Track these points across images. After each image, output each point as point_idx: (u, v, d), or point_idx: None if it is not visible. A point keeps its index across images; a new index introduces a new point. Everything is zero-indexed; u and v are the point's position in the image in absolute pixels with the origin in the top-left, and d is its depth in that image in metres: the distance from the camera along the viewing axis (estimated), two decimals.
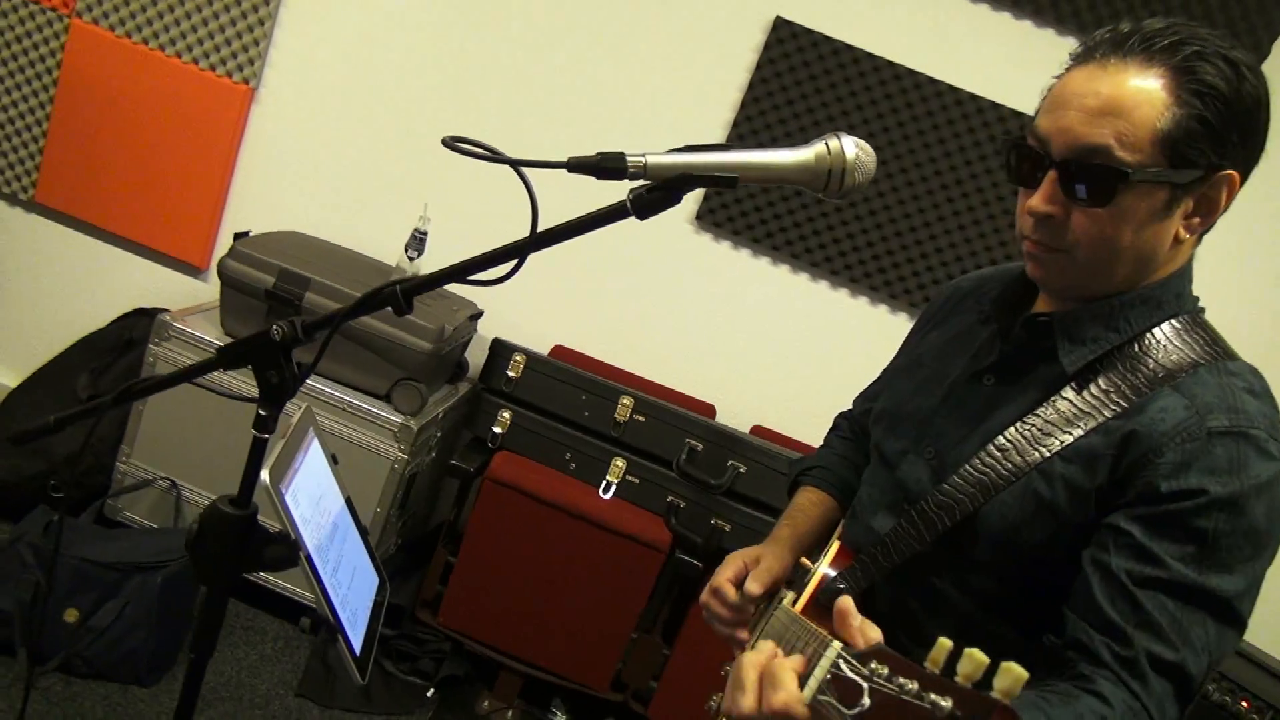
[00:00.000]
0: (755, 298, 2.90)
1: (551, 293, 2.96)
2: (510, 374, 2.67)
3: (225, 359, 1.19)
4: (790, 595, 1.27)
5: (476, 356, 2.92)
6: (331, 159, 3.00)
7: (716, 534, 2.55)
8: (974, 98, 2.67)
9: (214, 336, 2.60)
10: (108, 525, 2.63)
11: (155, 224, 3.07)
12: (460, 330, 2.71)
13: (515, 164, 1.02)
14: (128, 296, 3.07)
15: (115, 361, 2.89)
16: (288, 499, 1.16)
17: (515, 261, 1.09)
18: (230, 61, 2.94)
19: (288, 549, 1.24)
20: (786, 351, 2.92)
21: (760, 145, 0.97)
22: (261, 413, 1.20)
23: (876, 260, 2.81)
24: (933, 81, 2.68)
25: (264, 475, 1.12)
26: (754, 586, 1.28)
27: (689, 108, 2.82)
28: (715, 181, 0.98)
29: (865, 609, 1.16)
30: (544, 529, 2.53)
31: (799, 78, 2.75)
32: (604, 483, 2.60)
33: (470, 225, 2.92)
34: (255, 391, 1.15)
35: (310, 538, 1.19)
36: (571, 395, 2.65)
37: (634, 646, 2.60)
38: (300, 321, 1.17)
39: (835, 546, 1.21)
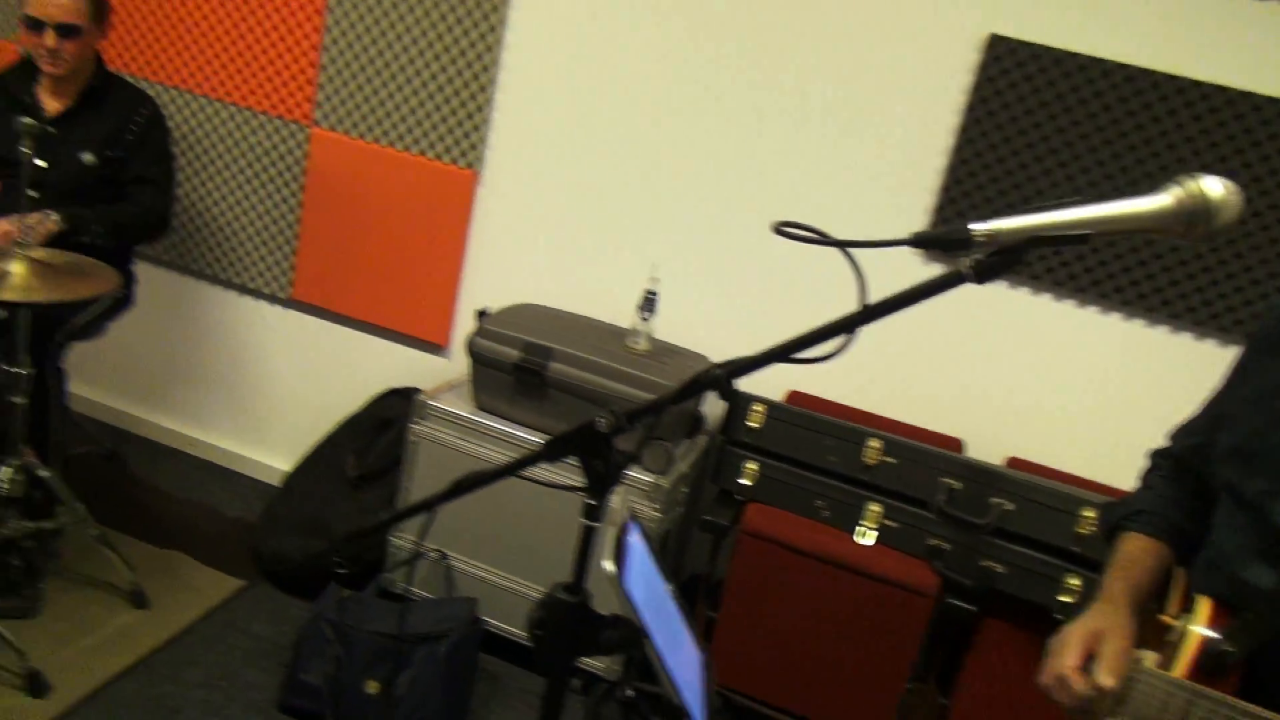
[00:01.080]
0: (995, 325, 2.79)
1: (780, 338, 2.94)
2: (751, 424, 2.66)
3: (553, 451, 1.24)
4: (1151, 656, 1.18)
5: (711, 408, 2.94)
6: (554, 229, 3.11)
7: (988, 576, 2.44)
8: (1222, 89, 2.48)
9: (467, 412, 2.72)
10: (388, 597, 2.79)
11: (399, 308, 3.27)
12: None
13: (843, 245, 1.01)
14: (380, 378, 3.28)
15: (375, 440, 3.08)
16: (629, 587, 1.18)
17: (845, 338, 1.09)
18: (454, 149, 3.11)
19: (622, 633, 1.27)
20: (1033, 377, 2.79)
21: (1102, 197, 0.93)
22: (590, 502, 1.24)
23: (1128, 273, 2.64)
24: (1172, 79, 2.52)
25: (609, 566, 1.15)
26: (1109, 681, 1.18)
27: (904, 137, 2.76)
28: (1067, 241, 0.94)
29: (1250, 671, 1.08)
30: (804, 579, 2.50)
31: (1021, 93, 2.64)
32: (861, 528, 2.55)
33: (696, 282, 2.95)
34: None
35: (651, 623, 1.21)
36: (815, 441, 2.62)
37: (909, 696, 2.52)
38: (624, 411, 1.21)
39: (1207, 604, 1.12)
